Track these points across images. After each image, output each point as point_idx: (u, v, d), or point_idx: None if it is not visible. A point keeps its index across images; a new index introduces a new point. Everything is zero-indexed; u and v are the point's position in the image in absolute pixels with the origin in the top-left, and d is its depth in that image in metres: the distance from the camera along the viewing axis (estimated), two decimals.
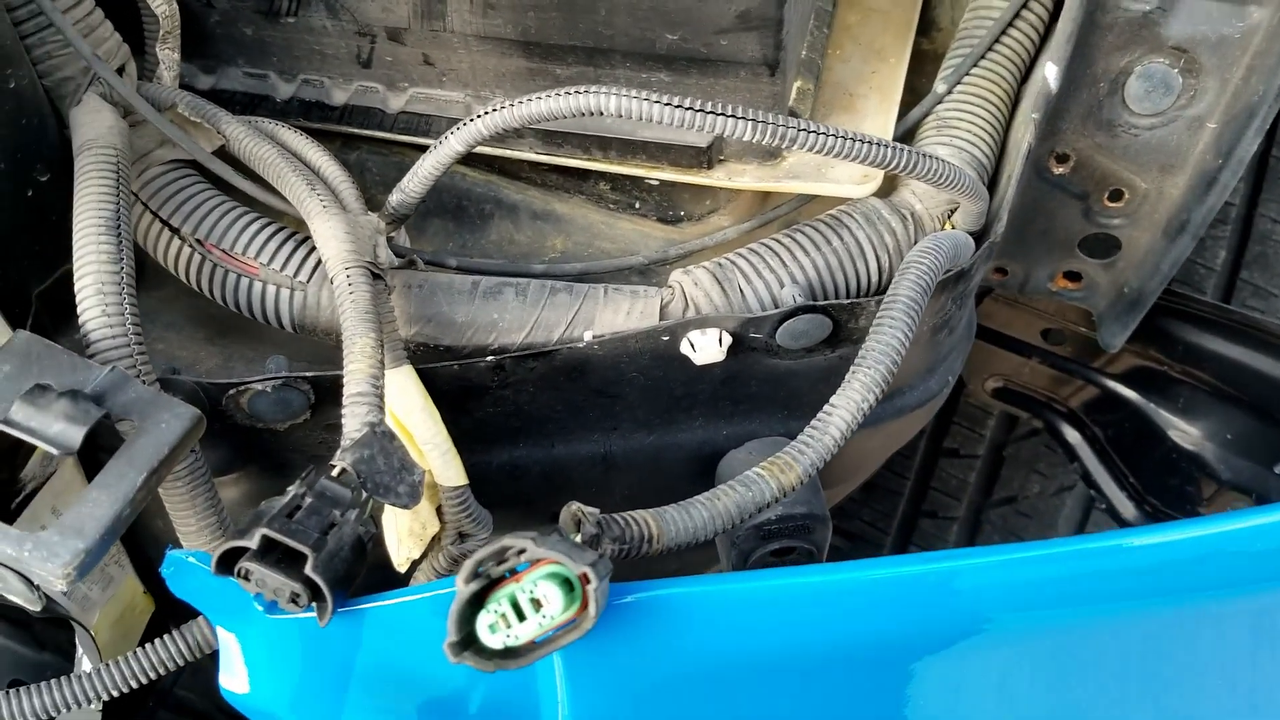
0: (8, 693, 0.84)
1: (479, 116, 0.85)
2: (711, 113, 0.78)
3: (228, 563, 0.66)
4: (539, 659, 0.60)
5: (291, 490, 0.69)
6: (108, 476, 0.71)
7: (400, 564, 0.90)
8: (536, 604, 0.59)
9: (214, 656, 0.91)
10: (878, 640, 0.69)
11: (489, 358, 0.89)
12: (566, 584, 0.59)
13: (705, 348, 0.88)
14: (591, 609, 0.58)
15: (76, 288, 0.81)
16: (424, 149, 1.04)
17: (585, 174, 1.06)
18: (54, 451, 0.71)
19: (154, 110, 0.91)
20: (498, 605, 0.59)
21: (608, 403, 0.96)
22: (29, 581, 0.70)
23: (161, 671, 0.88)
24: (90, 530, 0.69)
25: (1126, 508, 1.42)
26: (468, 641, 0.60)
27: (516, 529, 1.02)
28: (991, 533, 1.66)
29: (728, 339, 0.89)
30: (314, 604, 0.66)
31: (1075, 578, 0.72)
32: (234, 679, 0.74)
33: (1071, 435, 1.46)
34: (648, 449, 1.01)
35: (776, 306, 0.91)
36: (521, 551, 0.59)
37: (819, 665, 0.69)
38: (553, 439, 0.99)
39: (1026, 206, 1.08)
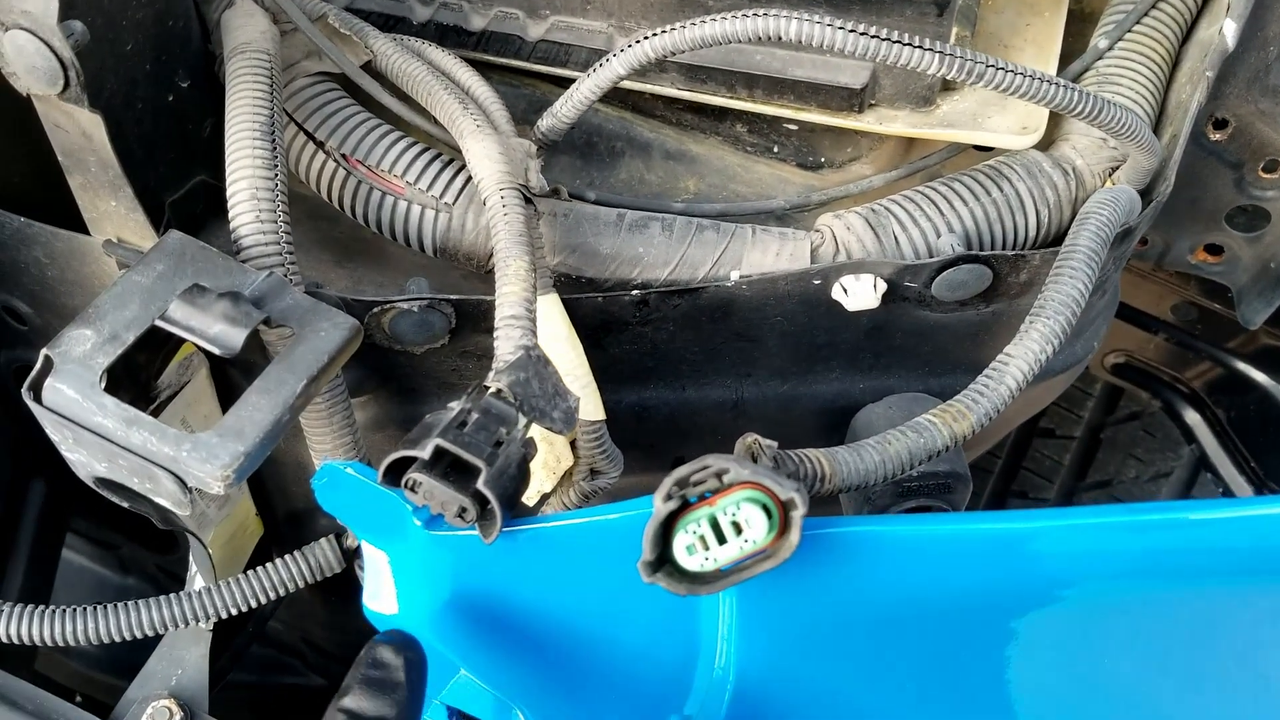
0: (126, 605, 0.82)
1: (644, 39, 0.82)
2: (899, 42, 0.75)
3: (395, 473, 0.64)
4: (730, 586, 0.58)
5: (457, 405, 0.67)
6: (267, 381, 0.70)
7: (531, 496, 0.88)
8: (737, 527, 0.56)
9: (316, 586, 0.89)
10: (1054, 588, 0.66)
11: (634, 291, 0.87)
12: (764, 510, 0.57)
13: (859, 293, 0.85)
14: (794, 536, 0.56)
15: (229, 191, 0.79)
16: (558, 81, 1.02)
17: (722, 114, 1.03)
18: (216, 351, 0.69)
19: (305, 19, 0.89)
20: (697, 526, 0.56)
21: (746, 346, 0.93)
22: (183, 483, 0.68)
23: (282, 591, 0.86)
24: (250, 433, 0.67)
25: (1244, 492, 1.37)
26: (659, 562, 0.58)
27: (638, 473, 1.02)
28: None
29: (882, 285, 0.86)
30: (480, 521, 0.64)
31: (1203, 549, 0.68)
32: (380, 599, 0.72)
33: (1191, 416, 1.41)
34: (780, 398, 0.99)
35: (931, 255, 0.88)
36: (721, 474, 0.57)
37: (995, 613, 0.66)
38: (685, 381, 0.97)
39: (1178, 173, 1.04)
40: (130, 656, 0.99)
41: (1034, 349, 0.74)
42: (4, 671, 0.89)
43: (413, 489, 0.63)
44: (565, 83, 0.98)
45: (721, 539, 0.57)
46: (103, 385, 0.69)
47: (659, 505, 0.56)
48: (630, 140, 1.03)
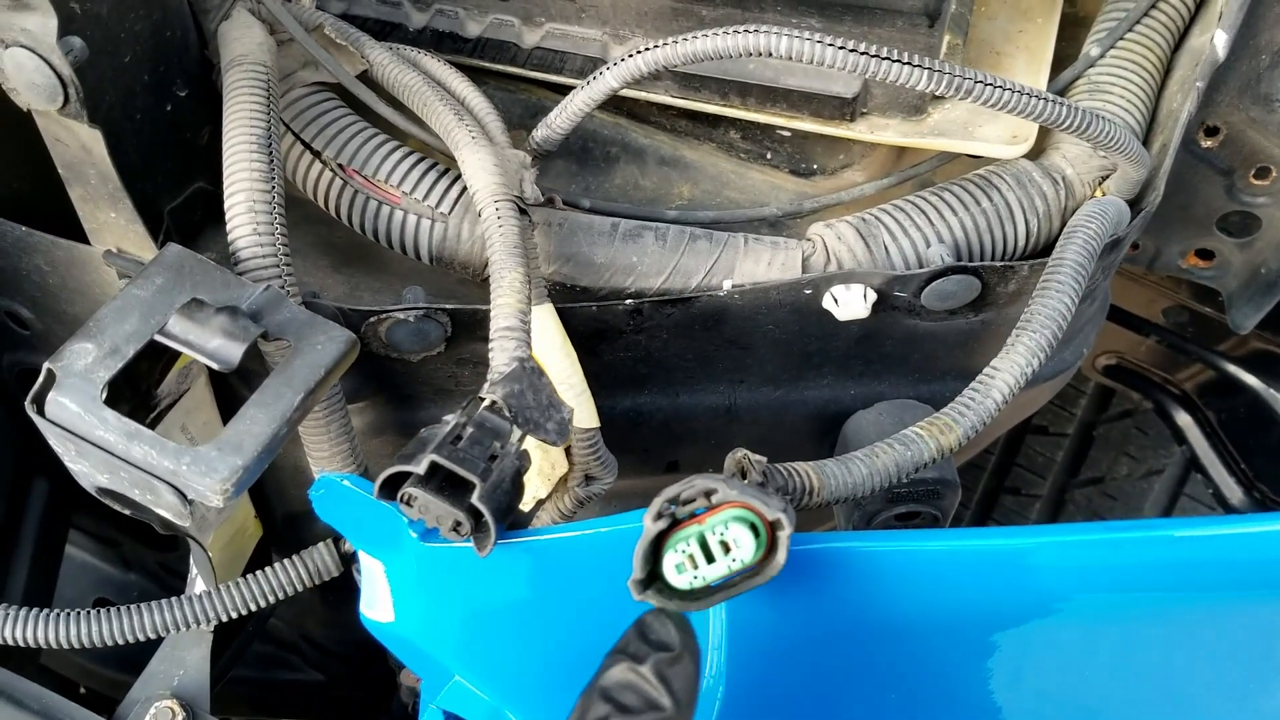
0: (129, 609, 0.84)
1: (638, 53, 0.83)
2: (887, 59, 0.76)
3: (391, 487, 0.65)
4: (718, 603, 0.59)
5: (452, 419, 0.68)
6: (265, 395, 0.71)
7: (526, 502, 0.89)
8: (725, 546, 0.58)
9: (314, 586, 0.90)
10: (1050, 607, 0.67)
11: (628, 301, 0.88)
12: (751, 529, 0.58)
13: (849, 303, 0.87)
14: (780, 556, 0.57)
15: (227, 204, 0.80)
16: (553, 87, 1.03)
17: (716, 121, 1.04)
18: (214, 366, 0.70)
19: (302, 29, 0.89)
20: (686, 545, 0.58)
21: (739, 354, 0.94)
22: (183, 495, 0.69)
23: (281, 595, 0.87)
24: (249, 447, 0.69)
25: (1234, 493, 1.39)
26: (649, 580, 0.59)
27: (632, 476, 1.03)
28: (1075, 513, 1.64)
29: (872, 295, 0.87)
30: (475, 534, 0.65)
31: (1193, 563, 0.70)
32: (377, 608, 0.73)
33: (1182, 418, 1.43)
34: (773, 404, 1.00)
35: (921, 265, 0.89)
36: (710, 493, 0.58)
37: (987, 629, 0.67)
38: (678, 388, 0.98)
39: (1168, 179, 1.05)
40: (132, 652, 1.00)
41: (1020, 363, 0.75)
42: (8, 670, 0.91)
43: (408, 503, 0.65)
44: (561, 88, 0.99)
45: (710, 558, 0.58)
46: (104, 399, 0.70)
47: (649, 525, 0.58)
48: (625, 146, 1.04)
